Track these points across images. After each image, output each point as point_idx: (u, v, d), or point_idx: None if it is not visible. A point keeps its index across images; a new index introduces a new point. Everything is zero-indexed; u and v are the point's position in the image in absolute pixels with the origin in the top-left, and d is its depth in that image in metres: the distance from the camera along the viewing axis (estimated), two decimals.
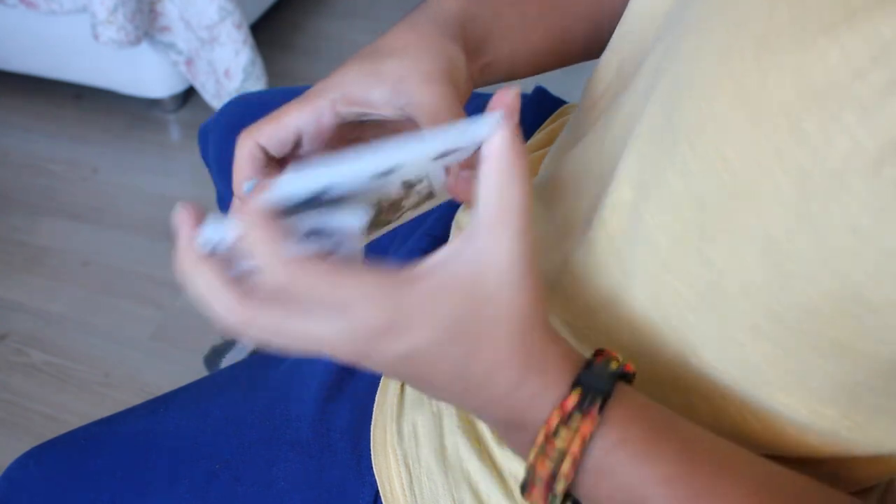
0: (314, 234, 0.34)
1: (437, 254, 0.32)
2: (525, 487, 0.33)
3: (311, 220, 0.33)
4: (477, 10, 0.46)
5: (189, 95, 1.73)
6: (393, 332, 0.30)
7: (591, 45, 0.52)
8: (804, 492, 0.34)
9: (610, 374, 0.33)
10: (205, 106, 1.68)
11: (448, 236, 0.53)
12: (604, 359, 0.33)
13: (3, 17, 1.59)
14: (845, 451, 0.36)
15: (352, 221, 0.33)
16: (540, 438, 0.32)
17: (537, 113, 0.66)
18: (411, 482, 0.45)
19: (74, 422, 0.93)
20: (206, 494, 0.49)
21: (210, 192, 0.95)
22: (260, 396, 0.53)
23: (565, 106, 0.68)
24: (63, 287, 1.38)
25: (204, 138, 0.80)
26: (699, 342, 0.36)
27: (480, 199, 0.31)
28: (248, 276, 0.32)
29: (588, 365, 0.33)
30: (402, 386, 0.49)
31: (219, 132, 0.77)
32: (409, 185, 0.37)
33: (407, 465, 0.46)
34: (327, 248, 0.34)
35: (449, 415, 0.45)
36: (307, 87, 0.42)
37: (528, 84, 0.72)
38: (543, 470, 0.32)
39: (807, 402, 0.35)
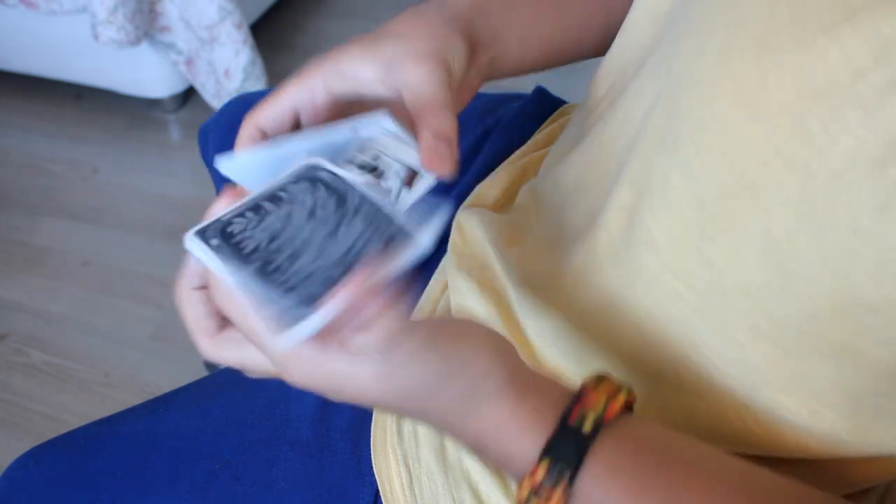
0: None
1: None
2: None
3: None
4: (487, 3, 0.46)
5: (189, 95, 1.73)
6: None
7: (602, 41, 0.51)
8: None
9: (582, 439, 0.31)
10: (205, 106, 1.68)
11: (448, 236, 0.53)
12: (579, 415, 0.31)
13: (3, 17, 1.59)
14: (844, 453, 0.36)
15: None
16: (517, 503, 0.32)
17: (537, 113, 0.66)
18: (411, 482, 0.45)
19: (74, 422, 0.93)
20: (206, 494, 0.49)
21: (210, 193, 0.95)
22: (260, 396, 0.53)
23: (565, 106, 0.68)
24: (63, 287, 1.38)
25: (204, 138, 0.80)
26: (700, 342, 0.36)
27: None
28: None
29: (562, 424, 0.31)
30: None
31: (219, 132, 0.77)
32: (369, 168, 0.38)
33: (407, 465, 0.46)
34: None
35: None
36: None
37: (529, 84, 0.72)
38: None
39: (807, 404, 0.35)
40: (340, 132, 0.38)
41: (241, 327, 0.32)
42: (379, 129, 0.38)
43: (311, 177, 0.35)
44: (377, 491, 0.47)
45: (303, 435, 0.50)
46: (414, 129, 0.38)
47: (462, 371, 0.32)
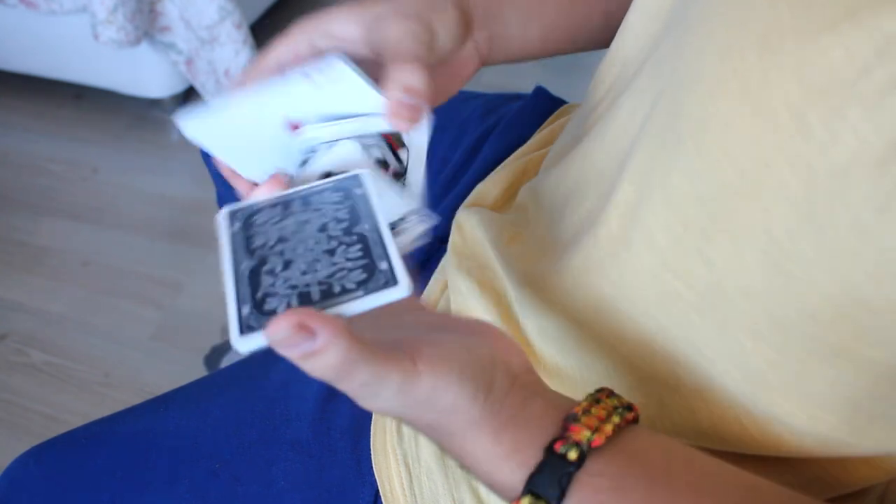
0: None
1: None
2: None
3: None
4: None
5: (189, 95, 1.73)
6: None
7: (604, 30, 0.51)
8: None
9: (564, 473, 0.30)
10: None
11: (448, 236, 0.53)
12: (562, 448, 0.31)
13: (3, 17, 1.59)
14: (843, 453, 0.36)
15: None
16: None
17: (537, 113, 0.66)
18: (411, 482, 0.45)
19: (74, 422, 0.93)
20: (206, 494, 0.49)
21: (210, 193, 0.95)
22: (260, 396, 0.53)
23: (565, 106, 0.68)
24: (63, 287, 1.38)
25: None
26: (701, 343, 0.36)
27: None
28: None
29: (545, 457, 0.31)
30: None
31: None
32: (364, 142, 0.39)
33: (407, 465, 0.46)
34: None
35: None
36: None
37: (529, 84, 0.72)
38: None
39: (806, 408, 0.34)
40: (295, 82, 0.37)
41: None
42: (335, 74, 0.37)
43: (347, 190, 0.36)
44: (377, 491, 0.47)
45: (303, 435, 0.50)
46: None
47: (426, 404, 0.31)
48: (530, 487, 0.30)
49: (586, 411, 0.31)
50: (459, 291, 0.47)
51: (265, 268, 0.32)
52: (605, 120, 0.44)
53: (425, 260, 0.59)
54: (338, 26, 0.40)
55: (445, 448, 0.33)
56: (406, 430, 0.47)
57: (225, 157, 0.41)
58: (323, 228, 0.33)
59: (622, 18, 0.46)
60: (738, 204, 0.32)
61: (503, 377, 0.33)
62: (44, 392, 1.23)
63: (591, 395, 0.33)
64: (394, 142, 0.40)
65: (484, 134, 0.66)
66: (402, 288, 0.29)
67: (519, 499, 0.30)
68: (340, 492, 0.48)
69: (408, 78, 0.37)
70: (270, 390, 0.53)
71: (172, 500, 0.50)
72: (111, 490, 0.51)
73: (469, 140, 0.66)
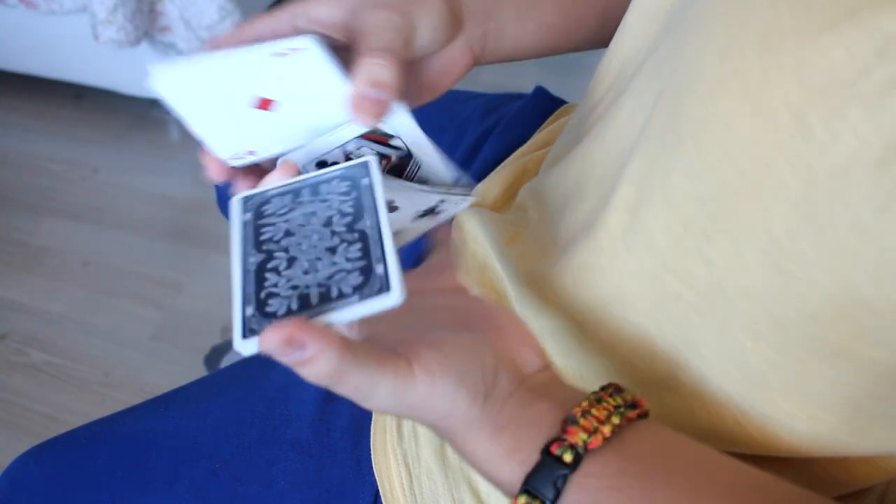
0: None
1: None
2: None
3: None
4: None
5: None
6: None
7: (601, 28, 0.51)
8: None
9: (559, 475, 0.31)
10: None
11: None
12: (561, 447, 0.31)
13: (3, 17, 1.58)
14: (843, 453, 0.36)
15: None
16: None
17: (537, 113, 0.66)
18: (411, 482, 0.45)
19: (74, 422, 0.93)
20: (206, 494, 0.49)
21: (210, 193, 0.95)
22: (260, 396, 0.53)
23: (565, 106, 0.68)
24: (63, 287, 1.38)
25: None
26: (700, 343, 0.36)
27: None
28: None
29: (542, 458, 0.32)
30: None
31: None
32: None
33: (407, 465, 0.46)
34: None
35: None
36: None
37: (529, 84, 0.72)
38: None
39: (806, 408, 0.34)
40: (266, 58, 0.37)
41: None
42: (306, 57, 0.37)
43: (354, 180, 0.36)
44: (377, 491, 0.47)
45: (303, 435, 0.50)
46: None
47: (423, 407, 0.32)
48: (527, 487, 0.31)
49: (586, 413, 0.32)
50: None
51: (270, 264, 0.32)
52: (605, 120, 0.44)
53: (426, 258, 0.59)
54: (321, 10, 0.40)
55: (450, 445, 0.34)
56: (406, 430, 0.47)
57: (192, 122, 0.41)
58: (328, 223, 0.34)
59: (620, 17, 0.46)
60: (738, 204, 0.32)
61: (507, 380, 0.34)
62: (44, 392, 1.23)
63: (594, 393, 0.33)
64: (379, 137, 0.40)
65: (484, 134, 0.66)
66: (395, 295, 0.30)
67: (517, 497, 0.31)
68: (340, 492, 0.48)
69: (376, 71, 0.36)
70: (270, 390, 0.53)
71: (172, 500, 0.50)
72: (111, 490, 0.51)
73: (469, 140, 0.66)
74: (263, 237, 0.34)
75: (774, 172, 0.30)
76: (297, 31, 0.40)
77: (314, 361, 0.28)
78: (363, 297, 0.30)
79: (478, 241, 0.49)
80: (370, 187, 0.35)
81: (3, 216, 1.52)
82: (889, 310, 0.29)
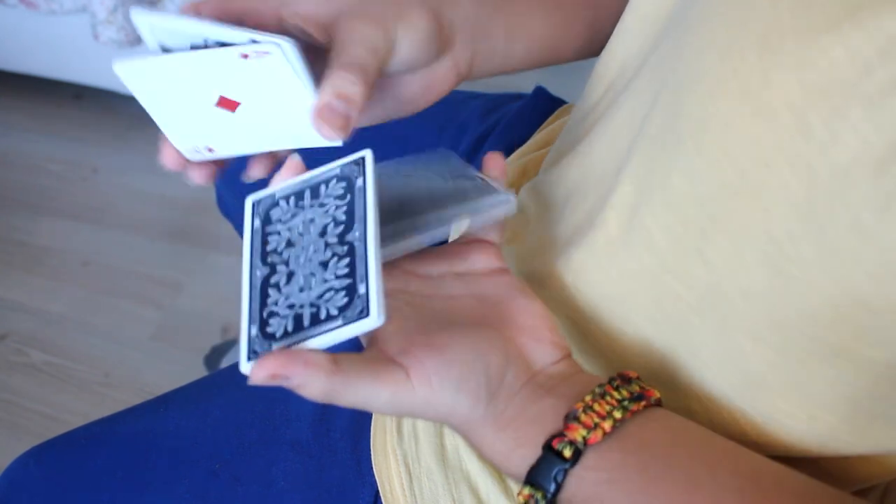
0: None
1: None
2: None
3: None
4: None
5: None
6: None
7: (589, 41, 0.51)
8: None
9: (559, 470, 0.32)
10: None
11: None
12: (561, 442, 0.32)
13: (3, 17, 1.58)
14: (843, 453, 0.36)
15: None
16: None
17: (537, 113, 0.66)
18: (411, 482, 0.45)
19: (74, 422, 0.93)
20: (206, 494, 0.49)
21: (210, 193, 0.95)
22: (260, 396, 0.53)
23: (565, 106, 0.68)
24: (63, 287, 1.38)
25: None
26: (700, 344, 0.36)
27: None
28: None
29: (545, 452, 0.33)
30: None
31: None
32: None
33: (407, 465, 0.46)
34: None
35: None
36: None
37: (529, 84, 0.72)
38: None
39: (806, 408, 0.34)
40: (235, 60, 0.36)
41: None
42: (275, 62, 0.36)
43: (350, 180, 0.36)
44: (377, 491, 0.47)
45: (303, 435, 0.50)
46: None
47: (423, 411, 0.33)
48: (530, 480, 0.33)
49: (587, 408, 0.33)
50: None
51: (273, 279, 0.34)
52: (605, 120, 0.44)
53: None
54: (308, 5, 0.39)
55: (461, 437, 0.36)
56: (406, 430, 0.47)
57: (154, 113, 0.41)
58: (323, 232, 0.35)
59: (609, 29, 0.46)
60: (738, 204, 0.32)
61: (515, 378, 0.34)
62: (44, 392, 1.23)
63: (599, 386, 0.34)
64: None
65: (484, 134, 0.66)
66: (373, 320, 0.31)
67: (521, 488, 0.33)
68: (340, 492, 0.48)
69: (346, 86, 0.36)
70: (270, 391, 0.53)
71: (172, 501, 0.50)
72: (111, 490, 0.51)
73: (469, 140, 0.66)
74: (269, 248, 0.36)
75: (774, 172, 0.30)
76: (280, 21, 0.39)
77: (303, 387, 0.31)
78: (346, 321, 0.31)
79: None
80: (363, 189, 0.35)
81: (3, 216, 1.52)
82: (889, 310, 0.29)
